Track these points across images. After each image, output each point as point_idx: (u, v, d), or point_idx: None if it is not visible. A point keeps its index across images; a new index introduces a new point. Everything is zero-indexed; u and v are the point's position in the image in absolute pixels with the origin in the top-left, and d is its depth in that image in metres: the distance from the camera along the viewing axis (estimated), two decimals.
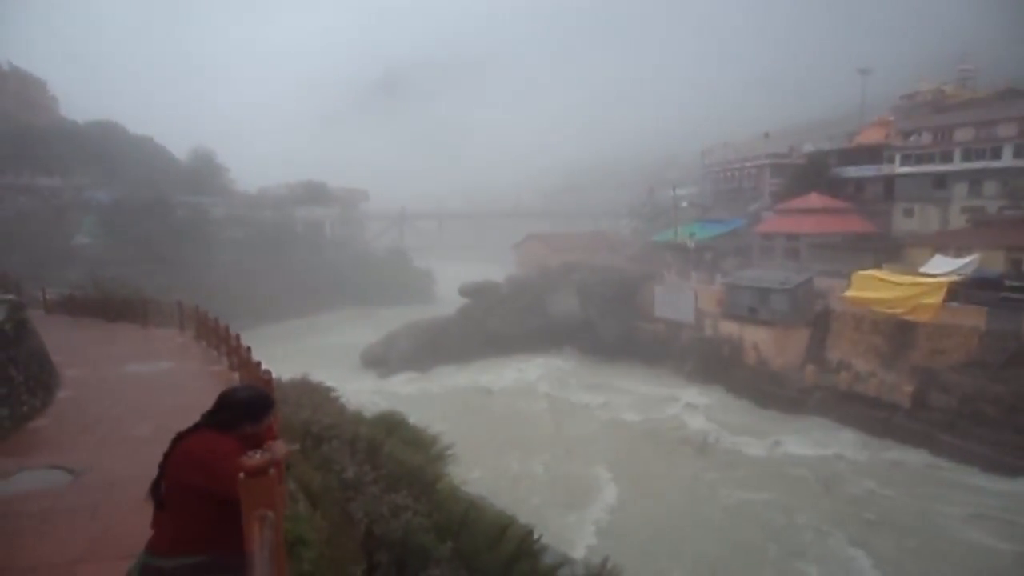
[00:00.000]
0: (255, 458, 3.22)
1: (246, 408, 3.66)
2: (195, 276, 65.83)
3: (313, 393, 16.72)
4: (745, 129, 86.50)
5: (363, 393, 36.04)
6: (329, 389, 17.68)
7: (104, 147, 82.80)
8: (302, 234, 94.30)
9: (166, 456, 3.50)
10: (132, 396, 13.01)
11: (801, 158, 64.76)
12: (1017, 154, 47.48)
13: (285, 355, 47.83)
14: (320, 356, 55.67)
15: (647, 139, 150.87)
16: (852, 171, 58.04)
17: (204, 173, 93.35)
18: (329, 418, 14.08)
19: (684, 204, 68.92)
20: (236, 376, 14.61)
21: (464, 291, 62.07)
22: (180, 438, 3.54)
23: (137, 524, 4.40)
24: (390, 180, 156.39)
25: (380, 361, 53.73)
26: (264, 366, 10.56)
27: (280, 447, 3.57)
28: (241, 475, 3.12)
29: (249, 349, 13.46)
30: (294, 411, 13.41)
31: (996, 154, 48.45)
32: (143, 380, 14.59)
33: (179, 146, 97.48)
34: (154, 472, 3.52)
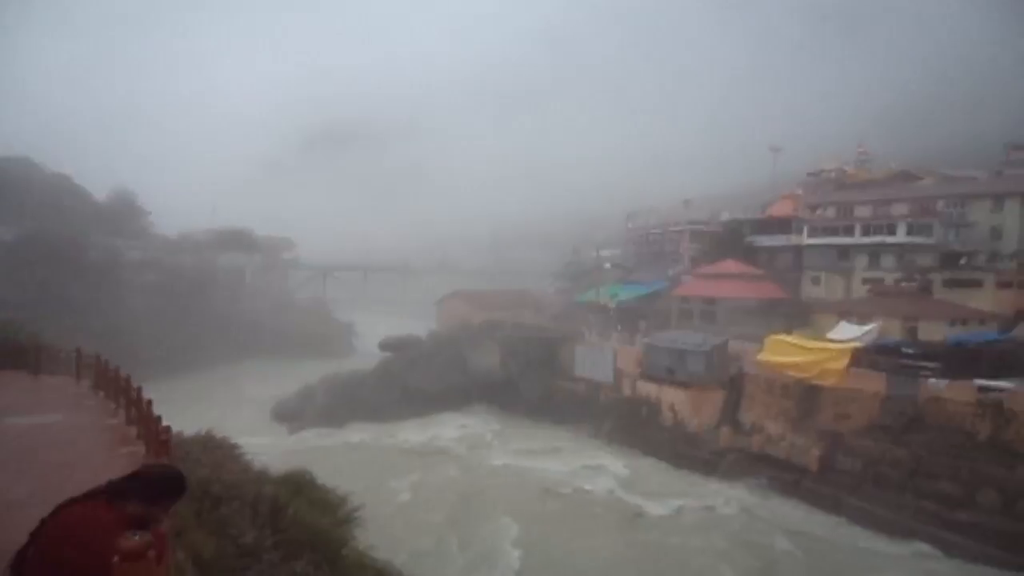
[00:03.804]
0: (133, 539, 2.89)
1: (146, 484, 3.33)
2: (104, 321, 62.27)
3: (216, 450, 15.72)
4: (667, 195, 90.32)
5: (272, 450, 34.28)
6: (234, 446, 16.68)
7: (13, 183, 78.24)
8: (221, 281, 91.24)
9: (40, 524, 3.14)
10: (9, 452, 11.84)
11: (719, 226, 67.99)
12: (909, 231, 51.37)
13: (193, 408, 45.33)
14: (231, 409, 52.96)
15: (573, 201, 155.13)
16: (765, 240, 61.24)
17: (123, 215, 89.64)
18: (231, 476, 13.23)
19: (607, 265, 70.71)
20: (133, 431, 13.65)
21: (385, 345, 60.99)
22: (61, 507, 3.19)
23: None
24: (322, 230, 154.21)
25: (293, 415, 51.72)
26: (165, 420, 9.87)
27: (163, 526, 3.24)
28: (115, 558, 2.79)
29: (150, 402, 12.62)
30: (193, 469, 12.55)
31: (892, 230, 52.30)
32: (24, 435, 13.33)
33: (105, 186, 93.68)
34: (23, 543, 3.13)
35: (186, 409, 39.34)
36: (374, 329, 76.73)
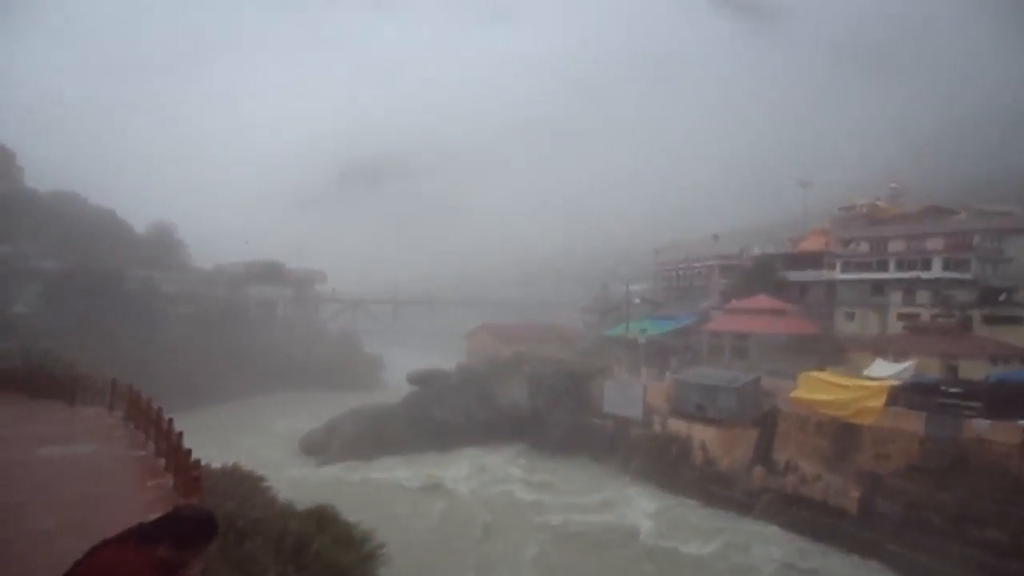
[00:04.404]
0: None
1: (177, 528, 3.32)
2: (139, 352, 63.55)
3: (242, 483, 15.82)
4: (695, 230, 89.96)
5: (298, 483, 34.35)
6: (260, 479, 16.78)
7: (61, 217, 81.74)
8: (253, 313, 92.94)
9: (74, 566, 3.14)
10: (41, 483, 11.98)
11: (749, 260, 67.27)
12: (945, 266, 50.28)
13: (222, 438, 45.71)
14: (259, 440, 53.44)
15: (602, 236, 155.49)
16: (796, 275, 60.39)
17: (161, 247, 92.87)
18: (256, 511, 13.24)
19: (636, 300, 70.21)
20: (161, 462, 13.75)
21: (412, 378, 60.91)
22: (95, 549, 3.19)
23: None
24: (353, 263, 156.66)
25: (320, 448, 51.62)
26: (195, 452, 9.88)
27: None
28: None
29: (180, 434, 12.72)
30: (219, 503, 12.56)
31: (926, 265, 51.23)
32: (57, 465, 13.54)
33: (146, 218, 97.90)
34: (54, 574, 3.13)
35: (216, 439, 39.77)
36: (403, 361, 76.95)
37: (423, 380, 60.42)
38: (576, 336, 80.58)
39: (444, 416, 55.00)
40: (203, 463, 12.91)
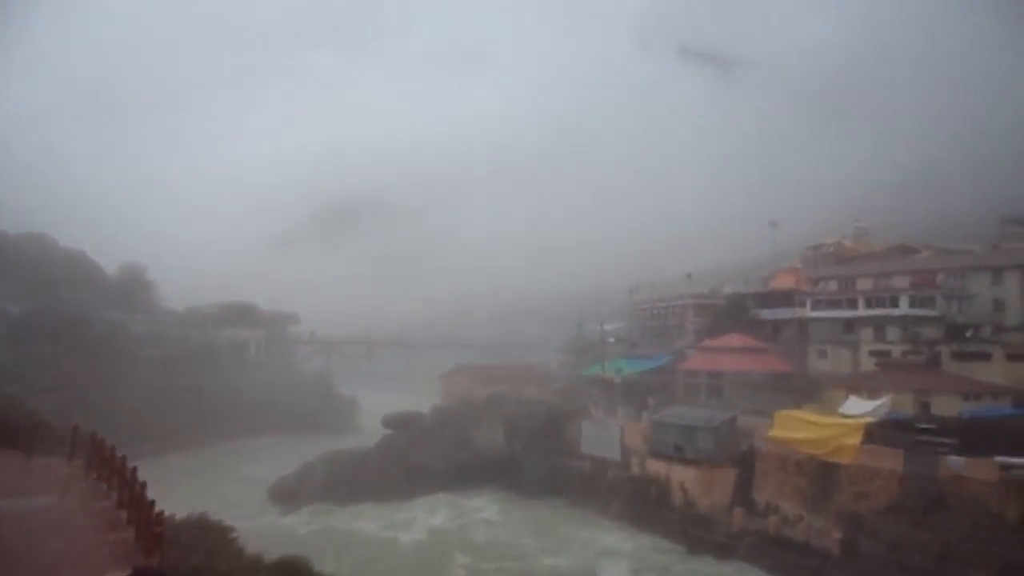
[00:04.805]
0: None
1: None
2: (105, 397, 62.29)
3: (209, 534, 15.19)
4: (669, 270, 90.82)
5: (268, 533, 33.02)
6: (228, 529, 16.08)
7: (29, 258, 79.58)
8: (225, 356, 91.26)
9: None
10: None
11: (722, 299, 67.89)
12: (912, 304, 51.19)
13: (190, 485, 44.01)
14: (229, 487, 51.83)
15: (577, 276, 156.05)
16: (768, 313, 60.98)
17: (131, 289, 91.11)
18: (224, 564, 12.60)
19: (612, 339, 70.17)
20: (123, 515, 13.04)
21: (387, 421, 59.93)
22: None
23: None
24: (328, 304, 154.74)
25: (291, 495, 50.26)
26: (160, 501, 9.29)
27: None
28: None
29: (144, 485, 12.07)
30: (184, 556, 11.91)
31: (894, 302, 52.12)
32: (13, 520, 12.70)
33: (116, 258, 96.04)
34: None
35: (184, 487, 38.22)
36: (378, 404, 75.83)
37: (398, 423, 59.52)
38: (552, 376, 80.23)
39: (419, 460, 54.11)
40: (169, 513, 12.23)
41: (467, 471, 53.42)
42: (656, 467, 44.19)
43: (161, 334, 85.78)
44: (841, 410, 41.55)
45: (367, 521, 44.85)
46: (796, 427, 39.11)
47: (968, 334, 49.30)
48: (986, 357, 46.14)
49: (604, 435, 49.74)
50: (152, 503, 9.39)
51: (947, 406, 40.80)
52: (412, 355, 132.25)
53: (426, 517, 45.59)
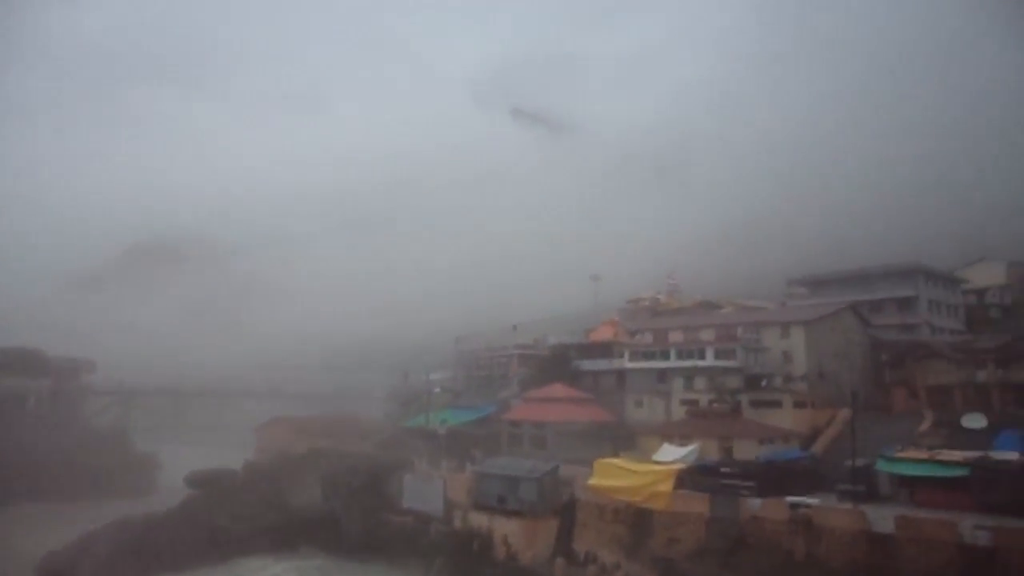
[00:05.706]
0: None
1: None
2: None
3: None
4: (498, 320, 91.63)
5: None
6: None
7: None
8: None
9: None
10: None
11: (546, 350, 69.21)
12: (716, 355, 55.24)
13: None
14: None
15: (406, 324, 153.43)
16: (590, 364, 62.97)
17: None
18: None
19: (437, 389, 68.92)
20: None
21: (191, 480, 54.08)
22: None
23: None
24: (133, 350, 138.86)
25: (65, 574, 42.99)
26: None
27: None
28: None
29: None
30: None
31: (702, 354, 55.92)
32: None
33: None
34: None
35: None
36: (184, 461, 68.31)
37: (204, 482, 54.09)
38: (377, 427, 77.02)
39: (226, 523, 49.47)
40: None
41: (281, 533, 49.49)
42: (479, 520, 43.01)
43: None
44: (655, 457, 43.22)
45: None
46: (614, 475, 39.89)
47: (763, 383, 53.90)
48: (777, 404, 50.49)
49: (427, 488, 47.87)
50: None
51: (747, 451, 43.92)
52: (227, 406, 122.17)
53: None
